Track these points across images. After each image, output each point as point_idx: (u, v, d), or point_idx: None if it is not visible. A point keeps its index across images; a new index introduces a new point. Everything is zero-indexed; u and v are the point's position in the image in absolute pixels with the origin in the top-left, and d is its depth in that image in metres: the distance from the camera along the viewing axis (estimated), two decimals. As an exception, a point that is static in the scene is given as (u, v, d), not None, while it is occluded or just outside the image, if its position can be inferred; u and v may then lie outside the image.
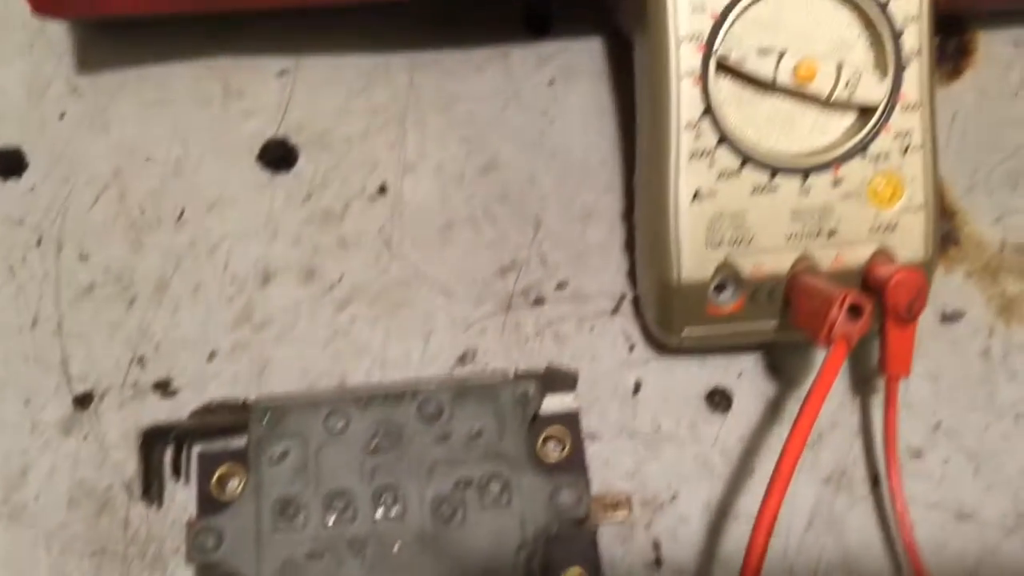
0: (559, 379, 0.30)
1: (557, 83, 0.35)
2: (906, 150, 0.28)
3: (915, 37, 0.28)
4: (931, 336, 0.32)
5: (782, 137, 0.28)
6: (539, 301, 0.33)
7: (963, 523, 0.30)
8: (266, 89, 0.35)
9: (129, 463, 0.30)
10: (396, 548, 0.28)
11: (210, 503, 0.28)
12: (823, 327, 0.26)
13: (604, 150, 0.34)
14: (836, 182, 0.28)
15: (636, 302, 0.32)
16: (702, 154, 0.28)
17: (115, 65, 0.35)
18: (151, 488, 0.29)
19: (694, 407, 0.32)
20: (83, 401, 0.31)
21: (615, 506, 0.29)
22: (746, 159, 0.28)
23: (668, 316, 0.30)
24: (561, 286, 0.33)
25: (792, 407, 0.31)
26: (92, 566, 0.29)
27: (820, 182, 0.28)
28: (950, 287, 0.33)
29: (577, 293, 0.33)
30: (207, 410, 0.30)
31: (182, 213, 0.33)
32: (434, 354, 0.32)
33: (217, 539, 0.27)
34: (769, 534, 0.25)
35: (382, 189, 0.34)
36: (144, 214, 0.33)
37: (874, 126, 0.28)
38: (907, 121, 0.28)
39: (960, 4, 0.34)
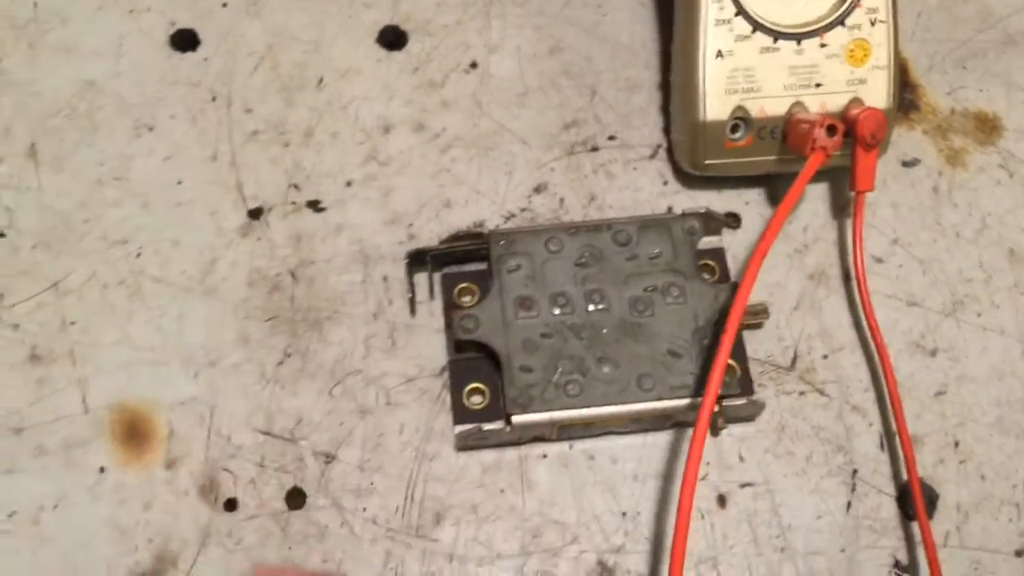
0: (711, 221, 0.40)
1: (609, -15, 0.45)
2: (874, 22, 0.38)
3: (882, -63, 0.38)
4: (894, 177, 0.42)
5: (784, 11, 0.38)
6: (594, 149, 0.43)
7: (912, 308, 0.40)
8: (382, -13, 0.45)
9: (292, 258, 0.40)
10: (605, 331, 0.37)
11: (453, 309, 0.38)
12: (808, 141, 0.36)
13: (645, 36, 0.44)
14: (822, 45, 0.38)
15: (669, 151, 0.42)
16: (723, 22, 0.38)
17: (265, -33, 0.45)
18: (413, 303, 0.39)
19: (713, 226, 0.42)
20: (255, 214, 0.41)
21: (755, 313, 0.38)
22: (756, 26, 0.38)
23: (695, 149, 0.40)
24: (612, 138, 0.43)
25: (786, 227, 0.41)
26: (268, 327, 0.39)
27: (810, 45, 0.38)
28: (911, 141, 0.43)
29: (624, 143, 0.43)
30: (455, 237, 0.40)
31: (321, 80, 0.43)
32: (515, 185, 0.42)
33: (475, 323, 0.37)
34: (746, 299, 0.35)
35: (473, 64, 0.44)
36: (292, 79, 0.43)
37: (850, 3, 0.38)
38: (874, 1, 0.38)
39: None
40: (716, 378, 0.33)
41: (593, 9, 0.45)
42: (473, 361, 0.37)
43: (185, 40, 0.44)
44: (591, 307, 0.37)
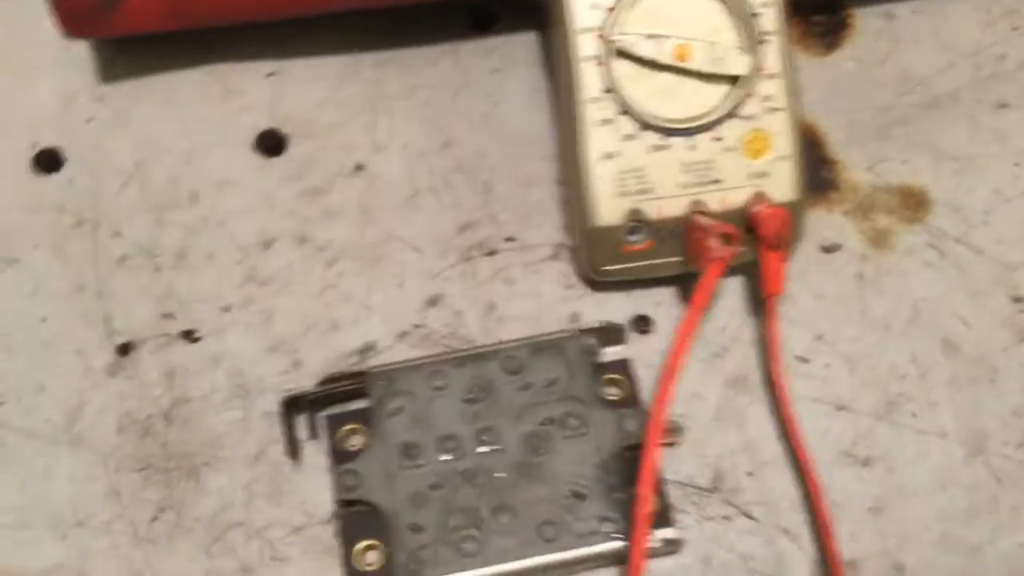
0: (611, 333, 0.37)
1: (501, 71, 0.42)
2: (771, 111, 0.35)
3: (771, 19, 0.34)
4: (814, 264, 0.39)
5: (671, 105, 0.35)
6: (492, 252, 0.40)
7: (841, 413, 0.37)
8: (258, 87, 0.42)
9: (164, 397, 0.37)
10: (499, 475, 0.34)
11: (342, 454, 0.35)
12: (703, 252, 0.33)
13: (541, 125, 0.41)
14: (716, 139, 0.35)
15: (572, 250, 0.39)
16: (607, 122, 0.35)
17: (131, 74, 0.42)
18: (296, 448, 0.36)
19: (622, 331, 0.39)
20: (124, 349, 0.38)
21: (670, 431, 0.35)
22: (643, 124, 0.35)
23: (593, 255, 0.37)
24: (510, 239, 0.40)
25: (701, 327, 0.38)
26: (141, 478, 0.36)
27: (704, 140, 0.35)
28: (830, 224, 0.40)
29: (523, 244, 0.40)
30: (331, 379, 0.36)
31: (195, 194, 0.40)
32: (408, 298, 0.39)
33: (357, 479, 0.34)
34: (657, 436, 0.32)
35: (359, 167, 0.41)
36: (163, 196, 0.40)
37: (742, 93, 0.35)
38: (769, 88, 0.35)
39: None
40: (639, 533, 0.30)
41: (483, 99, 0.42)
42: (364, 514, 0.34)
43: (49, 161, 0.41)
44: (482, 449, 0.34)
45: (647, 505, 0.30)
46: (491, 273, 0.39)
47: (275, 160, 0.41)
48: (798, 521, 0.35)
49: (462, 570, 0.32)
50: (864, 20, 0.43)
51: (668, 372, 0.31)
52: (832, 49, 0.42)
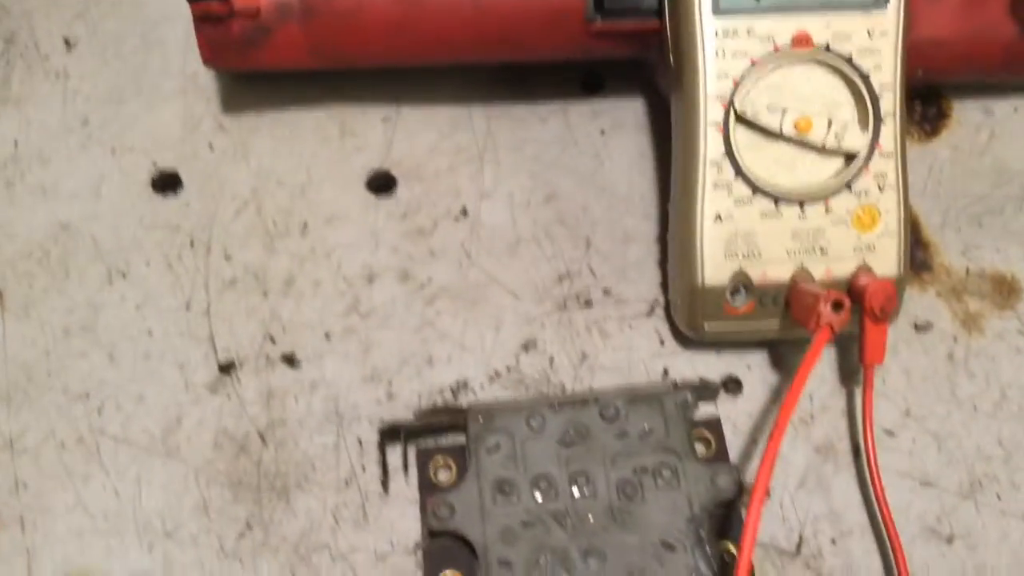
0: (706, 390, 0.37)
1: (607, 133, 0.44)
2: (882, 188, 0.36)
3: (890, 101, 0.36)
4: (906, 342, 0.40)
5: (786, 174, 0.36)
6: (588, 304, 0.40)
7: (926, 488, 0.37)
8: (373, 131, 0.44)
9: (261, 417, 0.38)
10: (591, 519, 0.34)
11: (431, 487, 0.35)
12: (813, 317, 0.33)
13: (643, 186, 0.42)
14: (827, 211, 0.36)
15: (666, 307, 0.40)
16: (722, 185, 0.36)
17: (254, 108, 0.44)
18: (387, 476, 0.36)
19: (712, 391, 0.39)
20: (226, 368, 0.39)
21: None
22: (756, 190, 0.36)
23: (693, 314, 0.37)
24: (606, 292, 0.41)
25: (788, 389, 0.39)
26: (231, 494, 0.37)
27: (814, 211, 0.36)
28: (923, 304, 0.40)
29: (619, 298, 0.41)
30: (431, 411, 0.37)
31: (305, 225, 0.42)
32: (503, 341, 0.40)
33: (450, 510, 0.34)
34: (765, 486, 0.32)
35: (464, 212, 0.42)
36: (276, 225, 0.42)
37: (857, 168, 0.36)
38: (883, 165, 0.36)
39: (936, 76, 0.42)
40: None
41: (590, 158, 0.43)
42: (449, 547, 0.34)
43: (167, 182, 0.43)
44: (576, 492, 0.34)
45: (746, 565, 0.30)
46: (586, 324, 0.40)
47: (384, 200, 0.42)
48: (881, 592, 0.35)
49: (550, 609, 0.32)
50: (962, 112, 0.44)
51: (777, 431, 0.32)
52: (930, 137, 0.43)
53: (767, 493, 0.36)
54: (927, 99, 0.44)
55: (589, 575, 0.33)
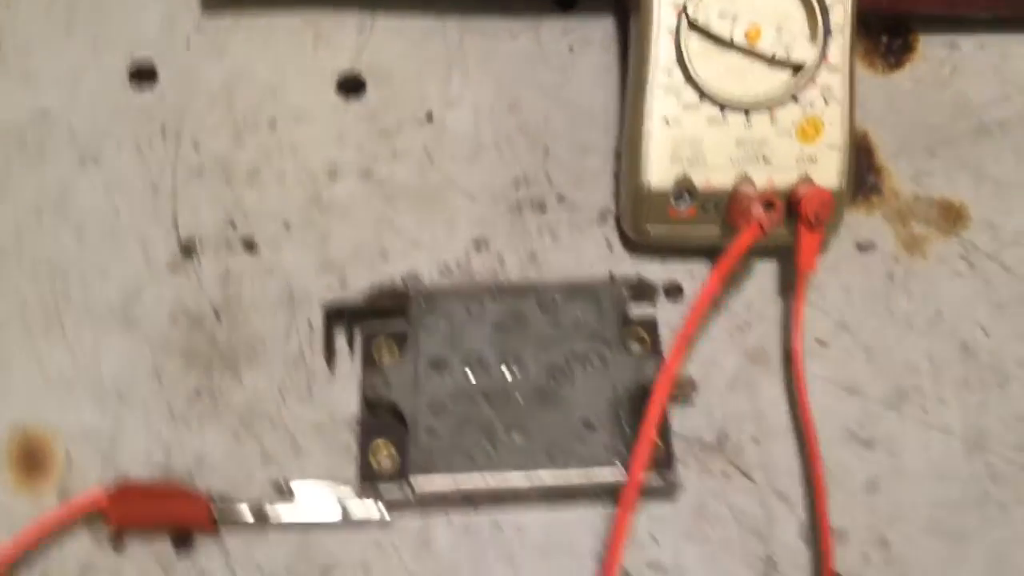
0: (644, 289, 0.38)
1: (576, 50, 0.44)
2: (827, 101, 0.37)
3: (840, 14, 0.37)
4: (847, 259, 0.40)
5: (735, 83, 0.37)
6: (542, 208, 0.42)
7: (852, 396, 0.38)
8: (348, 37, 0.44)
9: (217, 296, 0.39)
10: (518, 398, 0.35)
11: (371, 365, 0.37)
12: (745, 215, 0.34)
13: (606, 101, 0.43)
14: (772, 121, 0.37)
15: (617, 218, 0.41)
16: (672, 90, 0.37)
17: (232, 11, 0.45)
18: (332, 355, 0.38)
19: (655, 296, 0.40)
20: (187, 250, 0.40)
21: (681, 385, 0.37)
22: (704, 96, 0.37)
23: (638, 216, 0.38)
24: (560, 199, 0.42)
25: (728, 301, 0.40)
26: (184, 363, 0.38)
27: (760, 120, 0.37)
28: (869, 225, 0.41)
29: (572, 205, 0.42)
30: (377, 295, 0.38)
31: (274, 121, 0.43)
32: (456, 239, 0.41)
33: (385, 383, 0.36)
34: (672, 371, 0.33)
35: (429, 117, 0.43)
36: (245, 120, 0.43)
37: (804, 80, 0.37)
38: (830, 79, 0.37)
39: (903, 5, 0.43)
40: (640, 456, 0.31)
41: (557, 72, 0.44)
42: (384, 420, 0.36)
43: (143, 75, 0.44)
44: (507, 373, 0.36)
45: (649, 441, 0.32)
46: (538, 227, 0.41)
47: (352, 102, 0.44)
48: (794, 487, 0.37)
49: (468, 472, 0.34)
50: (928, 47, 0.45)
51: (691, 317, 0.33)
52: (894, 69, 0.44)
53: (691, 387, 0.37)
54: (894, 32, 0.45)
55: (512, 448, 0.34)
